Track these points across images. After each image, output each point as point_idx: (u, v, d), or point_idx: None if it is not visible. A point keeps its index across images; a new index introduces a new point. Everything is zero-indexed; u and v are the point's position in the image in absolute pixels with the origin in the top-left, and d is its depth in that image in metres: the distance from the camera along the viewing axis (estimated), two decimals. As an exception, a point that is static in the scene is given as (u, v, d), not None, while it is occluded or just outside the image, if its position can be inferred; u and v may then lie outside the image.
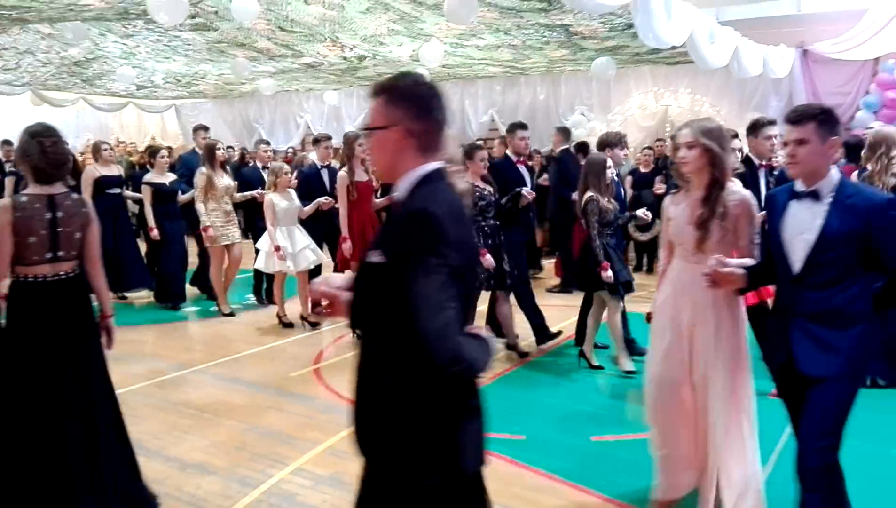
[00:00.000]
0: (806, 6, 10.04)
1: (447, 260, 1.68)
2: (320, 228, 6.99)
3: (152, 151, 8.00)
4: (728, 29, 7.62)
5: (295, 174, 7.41)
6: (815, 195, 2.60)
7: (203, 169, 7.12)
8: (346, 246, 6.24)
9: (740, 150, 5.93)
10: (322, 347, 6.27)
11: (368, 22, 8.21)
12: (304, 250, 6.74)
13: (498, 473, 3.77)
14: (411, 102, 1.83)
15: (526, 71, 12.33)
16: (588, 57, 10.24)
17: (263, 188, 7.22)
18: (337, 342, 6.40)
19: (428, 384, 1.76)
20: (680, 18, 6.00)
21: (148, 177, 7.68)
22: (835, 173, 2.63)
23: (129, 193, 8.26)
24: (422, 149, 1.83)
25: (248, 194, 7.60)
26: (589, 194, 5.29)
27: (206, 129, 8.64)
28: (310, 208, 6.79)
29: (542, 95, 12.89)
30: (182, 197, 7.69)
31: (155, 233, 7.44)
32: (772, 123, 5.06)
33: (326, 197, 6.76)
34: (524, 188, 6.04)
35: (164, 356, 6.08)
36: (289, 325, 6.88)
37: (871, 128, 7.70)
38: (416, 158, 1.83)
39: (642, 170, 9.54)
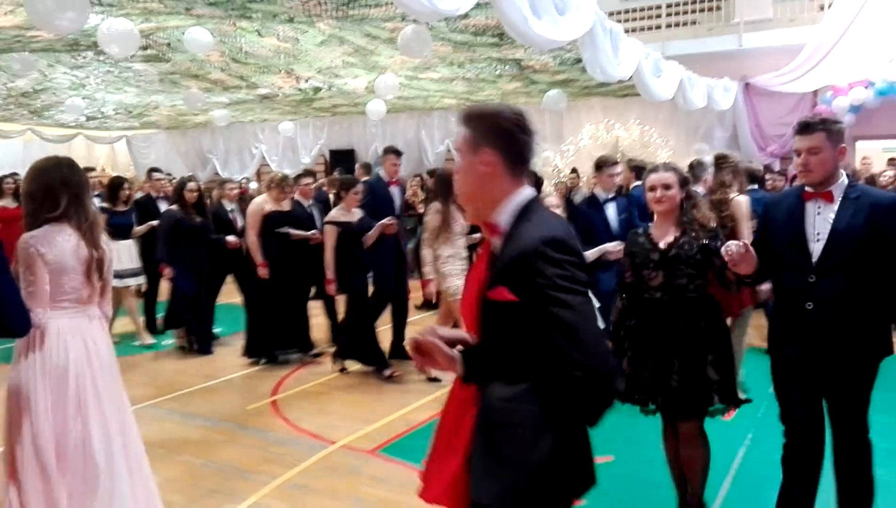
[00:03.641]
0: (747, 41, 10.50)
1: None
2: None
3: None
4: (673, 63, 7.90)
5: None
6: None
7: (437, 205, 5.75)
8: None
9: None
10: (279, 379, 6.21)
11: (324, 54, 8.28)
12: None
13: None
14: None
15: (480, 102, 12.55)
16: (540, 90, 10.49)
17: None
18: (294, 374, 6.34)
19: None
20: (626, 53, 6.21)
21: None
22: None
23: (294, 230, 6.58)
24: None
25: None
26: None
27: (397, 153, 6.66)
28: (594, 253, 4.77)
29: (497, 125, 13.10)
30: (369, 235, 6.07)
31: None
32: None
33: (617, 243, 4.65)
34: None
35: (115, 392, 5.92)
36: None
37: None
38: None
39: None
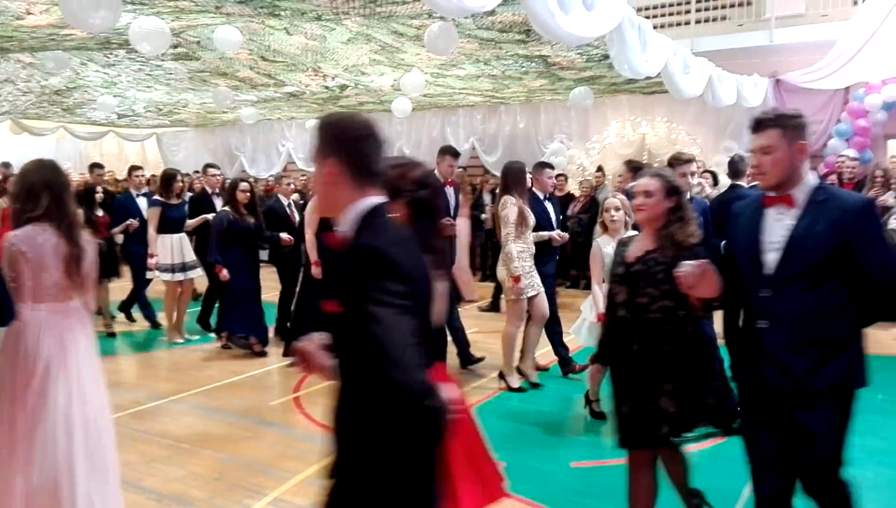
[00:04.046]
0: (778, 37, 10.31)
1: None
2: None
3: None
4: (702, 59, 7.78)
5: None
6: None
7: (512, 198, 5.60)
8: None
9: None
10: (302, 375, 6.23)
11: (350, 52, 8.30)
12: None
13: (478, 501, 3.77)
14: None
15: (506, 100, 12.49)
16: (566, 87, 10.40)
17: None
18: (317, 371, 6.36)
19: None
20: (654, 49, 6.13)
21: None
22: None
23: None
24: None
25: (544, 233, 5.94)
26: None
27: (455, 154, 6.57)
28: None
29: (522, 123, 13.05)
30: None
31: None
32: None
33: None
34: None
35: (141, 386, 6.01)
36: (600, 415, 5.03)
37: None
38: None
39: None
